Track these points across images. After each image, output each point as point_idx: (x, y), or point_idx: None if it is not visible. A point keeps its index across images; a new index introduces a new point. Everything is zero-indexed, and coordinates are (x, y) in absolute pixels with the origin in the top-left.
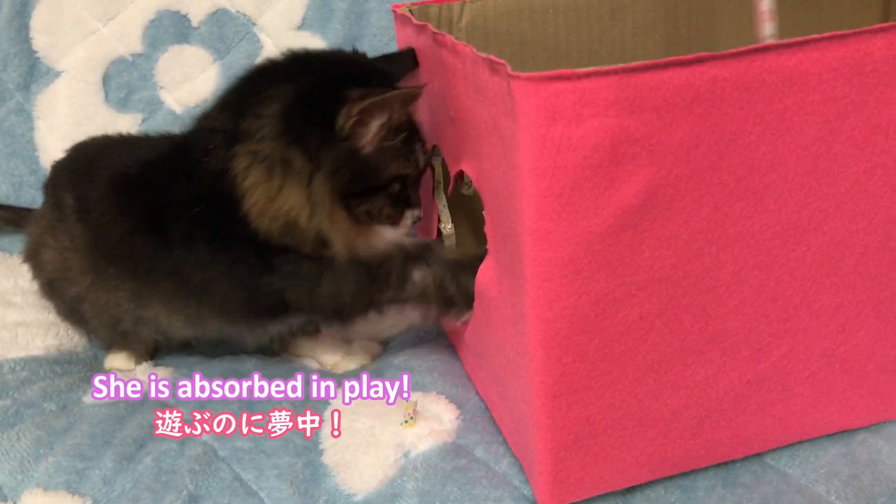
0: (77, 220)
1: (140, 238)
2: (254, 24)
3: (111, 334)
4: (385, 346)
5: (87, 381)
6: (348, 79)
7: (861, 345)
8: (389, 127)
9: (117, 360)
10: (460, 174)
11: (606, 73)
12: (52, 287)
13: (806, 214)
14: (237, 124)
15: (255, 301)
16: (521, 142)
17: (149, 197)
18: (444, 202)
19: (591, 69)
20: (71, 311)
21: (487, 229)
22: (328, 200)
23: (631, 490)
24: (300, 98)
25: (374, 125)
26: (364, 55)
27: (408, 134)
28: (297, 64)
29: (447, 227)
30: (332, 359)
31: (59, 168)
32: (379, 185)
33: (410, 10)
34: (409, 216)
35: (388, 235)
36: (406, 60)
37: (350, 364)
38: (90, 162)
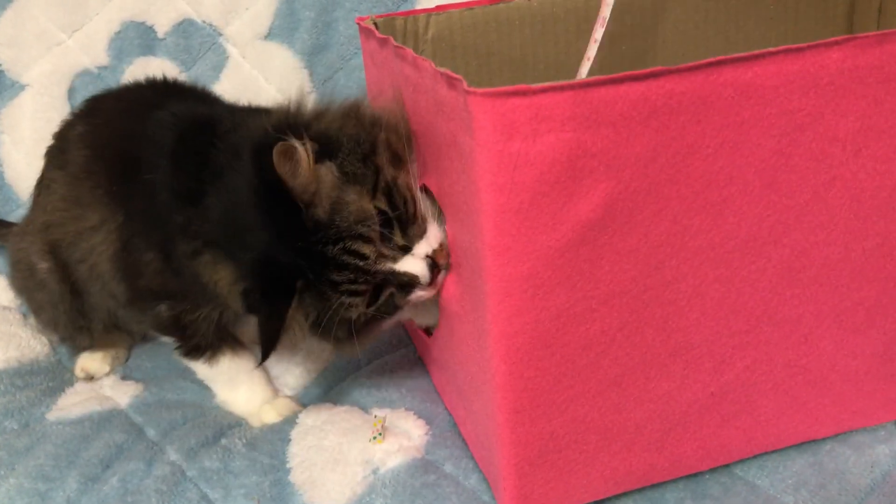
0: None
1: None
2: (220, 35)
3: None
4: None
5: (51, 394)
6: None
7: (824, 355)
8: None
9: (92, 362)
10: (425, 189)
11: (562, 88)
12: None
13: (766, 227)
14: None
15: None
16: (478, 157)
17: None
18: None
19: (546, 84)
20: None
21: (450, 244)
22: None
23: (599, 503)
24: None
25: None
26: None
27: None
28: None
29: None
30: (248, 407)
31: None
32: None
33: (375, 24)
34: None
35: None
36: None
37: (269, 416)
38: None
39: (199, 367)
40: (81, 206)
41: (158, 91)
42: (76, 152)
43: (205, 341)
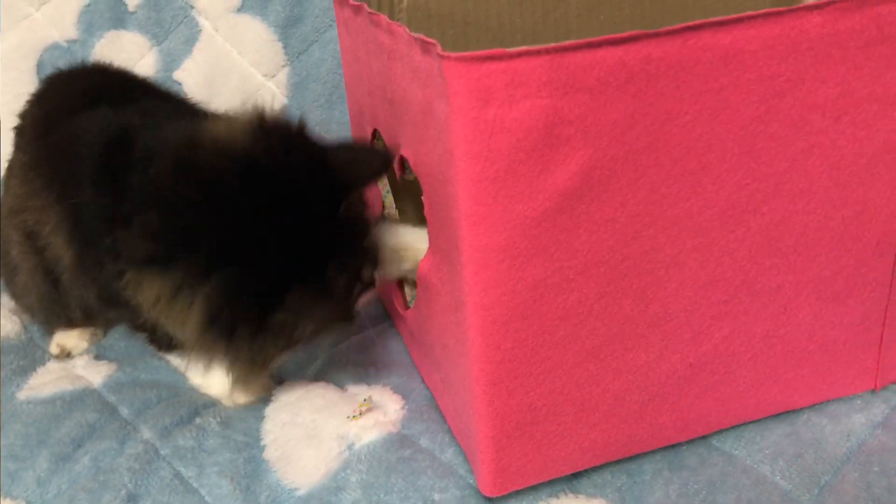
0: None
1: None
2: (192, 7)
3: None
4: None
5: (22, 373)
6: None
7: (802, 325)
8: None
9: (68, 338)
10: (402, 160)
11: (538, 52)
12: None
13: (745, 195)
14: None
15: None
16: (453, 124)
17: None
18: (388, 187)
19: (522, 49)
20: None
21: (427, 215)
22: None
23: (577, 475)
24: (217, 314)
25: None
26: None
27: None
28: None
29: (391, 213)
30: (222, 389)
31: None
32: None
33: None
34: None
35: None
36: (368, 166)
37: (242, 397)
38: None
39: (172, 357)
40: (37, 201)
41: (96, 85)
42: (29, 143)
43: (174, 341)
